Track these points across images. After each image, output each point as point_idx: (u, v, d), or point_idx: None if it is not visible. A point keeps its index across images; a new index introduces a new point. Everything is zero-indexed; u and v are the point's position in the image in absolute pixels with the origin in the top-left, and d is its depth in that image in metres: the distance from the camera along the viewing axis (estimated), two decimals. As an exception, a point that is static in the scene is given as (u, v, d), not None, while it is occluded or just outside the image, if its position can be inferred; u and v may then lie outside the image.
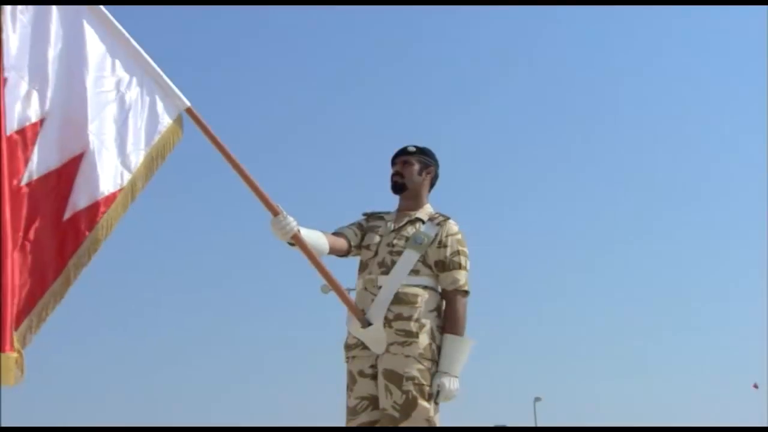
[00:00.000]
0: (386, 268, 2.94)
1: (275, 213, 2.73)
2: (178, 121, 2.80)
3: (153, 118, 2.75)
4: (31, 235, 2.49)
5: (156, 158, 2.75)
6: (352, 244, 3.05)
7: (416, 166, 3.11)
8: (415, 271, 2.94)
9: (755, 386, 18.37)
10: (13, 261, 2.41)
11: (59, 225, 2.56)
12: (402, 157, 3.12)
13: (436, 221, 3.04)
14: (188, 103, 2.78)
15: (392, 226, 3.07)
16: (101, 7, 2.64)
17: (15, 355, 2.32)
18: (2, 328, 2.28)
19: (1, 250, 2.31)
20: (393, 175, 3.12)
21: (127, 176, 2.68)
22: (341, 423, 2.96)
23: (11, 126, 2.44)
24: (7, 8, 2.46)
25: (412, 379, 2.80)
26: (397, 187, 3.11)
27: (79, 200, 2.59)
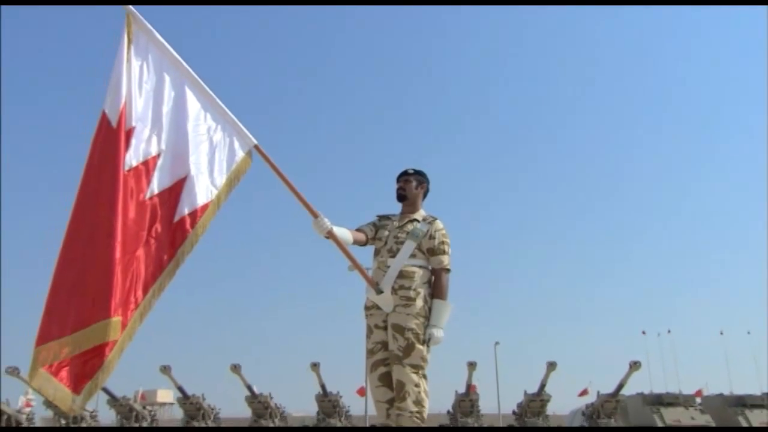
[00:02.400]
0: (393, 253, 3.97)
1: (315, 216, 3.74)
2: (249, 154, 3.87)
3: (231, 152, 3.82)
4: (153, 232, 3.52)
5: (233, 180, 3.81)
6: (369, 236, 4.10)
7: (413, 183, 4.18)
8: (413, 255, 3.95)
9: (643, 333, 21.48)
10: (139, 252, 3.43)
11: (171, 225, 3.58)
12: (403, 176, 4.20)
13: (428, 220, 4.08)
14: (255, 141, 3.86)
15: (397, 224, 4.12)
16: (196, 76, 3.75)
17: (120, 318, 3.22)
18: (110, 298, 3.14)
19: (101, 239, 3.24)
20: (397, 189, 4.19)
21: (215, 192, 3.72)
22: (362, 359, 3.97)
23: (138, 158, 3.52)
24: (135, 77, 3.57)
25: (411, 330, 3.80)
26: (400, 198, 4.19)
27: (183, 208, 3.61)
